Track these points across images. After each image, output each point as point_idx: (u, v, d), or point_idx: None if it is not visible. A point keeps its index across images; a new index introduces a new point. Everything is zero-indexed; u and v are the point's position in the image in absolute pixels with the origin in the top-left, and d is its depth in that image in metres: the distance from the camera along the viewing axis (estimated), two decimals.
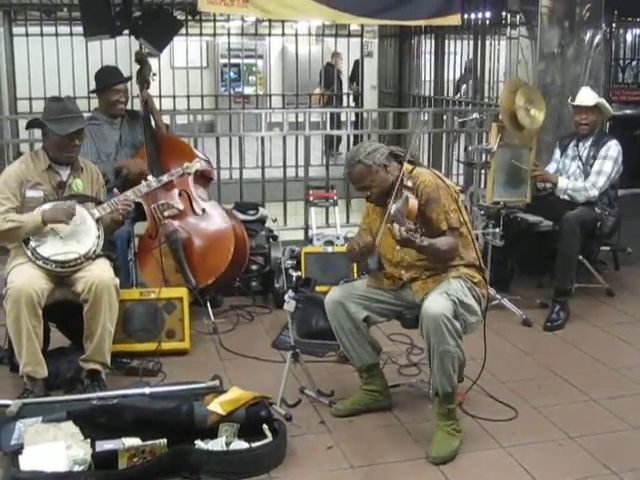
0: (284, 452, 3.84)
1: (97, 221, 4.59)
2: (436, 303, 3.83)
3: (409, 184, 3.92)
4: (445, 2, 6.73)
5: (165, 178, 5.12)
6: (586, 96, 6.11)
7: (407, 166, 4.05)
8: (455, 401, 4.00)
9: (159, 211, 5.53)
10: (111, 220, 4.69)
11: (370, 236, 4.19)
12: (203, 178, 5.84)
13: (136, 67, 5.92)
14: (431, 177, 4.03)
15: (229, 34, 11.12)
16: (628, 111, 8.37)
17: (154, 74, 6.06)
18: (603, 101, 6.15)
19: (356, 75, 12.79)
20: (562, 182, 6.07)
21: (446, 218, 3.97)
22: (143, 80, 5.86)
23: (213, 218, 5.77)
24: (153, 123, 5.95)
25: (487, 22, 8.71)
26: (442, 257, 3.98)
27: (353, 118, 11.62)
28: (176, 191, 5.69)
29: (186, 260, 5.53)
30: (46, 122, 4.52)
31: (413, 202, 3.81)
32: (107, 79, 5.77)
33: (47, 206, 4.47)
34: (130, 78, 5.93)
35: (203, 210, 5.75)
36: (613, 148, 6.02)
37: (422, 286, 4.07)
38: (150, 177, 4.88)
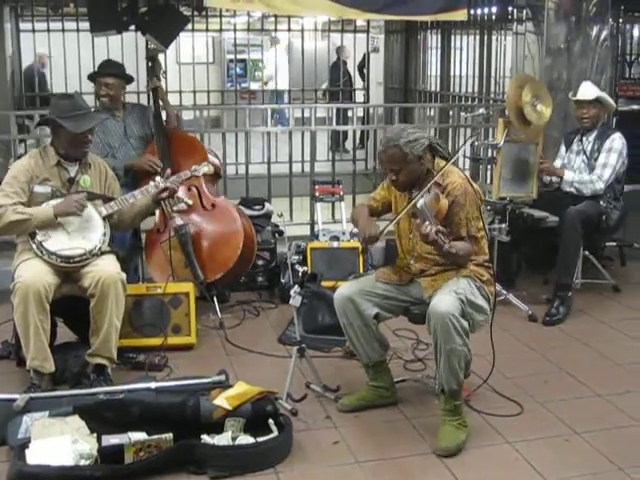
0: (290, 447, 3.84)
1: (104, 219, 4.60)
2: (444, 302, 3.83)
3: (439, 181, 3.95)
4: None
5: (173, 179, 4.94)
6: (586, 90, 6.11)
7: (439, 161, 4.08)
8: (461, 397, 4.01)
9: (169, 205, 5.53)
10: (145, 203, 4.75)
11: (378, 206, 4.33)
12: (212, 174, 5.83)
13: (143, 63, 5.94)
14: (461, 180, 4.02)
15: (235, 30, 11.11)
16: (635, 106, 8.35)
17: (164, 72, 6.08)
18: (604, 95, 6.17)
19: (363, 65, 12.76)
20: (568, 175, 6.09)
21: (467, 225, 3.99)
22: (154, 76, 5.87)
23: (222, 213, 5.78)
24: (164, 115, 5.96)
25: (493, 17, 8.70)
26: (455, 260, 3.98)
27: (360, 114, 11.64)
28: (186, 186, 5.69)
29: (195, 254, 5.54)
30: (59, 119, 4.50)
31: (444, 202, 3.84)
32: (98, 69, 5.86)
33: (55, 201, 4.48)
34: (127, 77, 5.93)
35: (212, 205, 5.76)
36: (617, 141, 6.03)
37: (431, 283, 4.08)
38: (158, 178, 4.86)
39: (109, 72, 5.77)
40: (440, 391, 4.01)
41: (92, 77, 5.87)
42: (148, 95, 5.90)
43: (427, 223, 3.71)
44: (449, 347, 3.80)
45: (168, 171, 4.91)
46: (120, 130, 5.80)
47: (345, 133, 12.49)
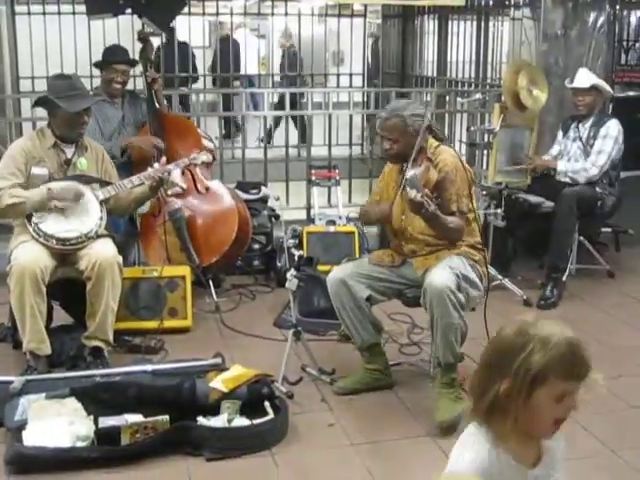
0: (285, 429, 3.86)
1: (101, 203, 4.60)
2: (440, 276, 3.87)
3: (431, 157, 4.01)
4: None
5: (171, 167, 4.89)
6: (582, 78, 6.12)
7: (432, 141, 4.13)
8: (457, 370, 4.05)
9: (163, 189, 5.51)
10: (142, 190, 4.77)
11: (380, 200, 4.34)
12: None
13: (139, 46, 5.89)
14: (452, 158, 4.09)
15: (232, 13, 11.05)
16: (631, 93, 8.33)
17: (158, 53, 6.03)
18: (600, 82, 6.16)
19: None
20: (561, 165, 6.11)
21: (457, 200, 4.03)
22: (146, 59, 5.83)
23: (217, 197, 5.77)
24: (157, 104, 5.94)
25: (491, 3, 8.68)
26: (447, 234, 4.03)
27: (356, 99, 11.59)
28: (180, 170, 5.67)
29: (190, 238, 5.53)
30: (55, 99, 4.50)
31: (433, 173, 3.91)
32: (109, 56, 5.74)
33: (54, 184, 4.47)
34: (135, 62, 5.89)
35: (207, 189, 5.75)
36: (613, 127, 6.04)
37: (423, 262, 4.11)
38: (156, 164, 4.86)
39: (123, 59, 5.72)
40: (437, 365, 4.05)
41: (101, 63, 5.80)
42: (146, 84, 5.80)
43: (414, 190, 3.74)
44: (445, 321, 3.85)
45: (163, 159, 4.89)
46: (118, 117, 5.75)
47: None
